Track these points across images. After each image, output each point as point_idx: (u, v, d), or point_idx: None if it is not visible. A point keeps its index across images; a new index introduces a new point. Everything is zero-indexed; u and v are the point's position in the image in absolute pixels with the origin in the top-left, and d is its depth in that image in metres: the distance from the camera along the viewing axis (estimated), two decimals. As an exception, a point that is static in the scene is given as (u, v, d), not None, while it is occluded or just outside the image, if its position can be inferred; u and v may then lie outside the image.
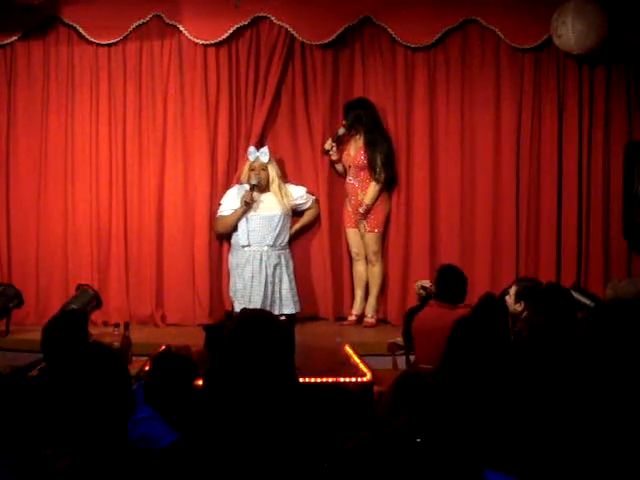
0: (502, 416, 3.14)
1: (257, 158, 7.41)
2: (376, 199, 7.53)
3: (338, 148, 7.63)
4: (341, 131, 7.58)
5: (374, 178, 7.49)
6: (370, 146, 7.48)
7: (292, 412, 2.31)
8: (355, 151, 7.55)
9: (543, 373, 3.72)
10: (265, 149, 7.44)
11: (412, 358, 5.82)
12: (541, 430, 3.08)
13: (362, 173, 7.53)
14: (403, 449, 1.65)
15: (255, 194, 7.39)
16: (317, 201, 7.69)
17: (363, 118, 7.49)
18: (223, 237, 7.66)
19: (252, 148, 7.45)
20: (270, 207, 7.43)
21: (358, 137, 7.56)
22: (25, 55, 7.61)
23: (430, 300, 5.65)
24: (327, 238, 7.70)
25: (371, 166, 7.48)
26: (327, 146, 7.60)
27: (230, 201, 7.49)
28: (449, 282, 5.55)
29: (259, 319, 2.40)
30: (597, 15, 7.14)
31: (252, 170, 7.40)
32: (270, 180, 7.43)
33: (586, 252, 7.73)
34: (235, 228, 7.46)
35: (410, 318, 5.68)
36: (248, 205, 7.36)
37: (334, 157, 7.65)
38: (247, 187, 7.39)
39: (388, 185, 7.60)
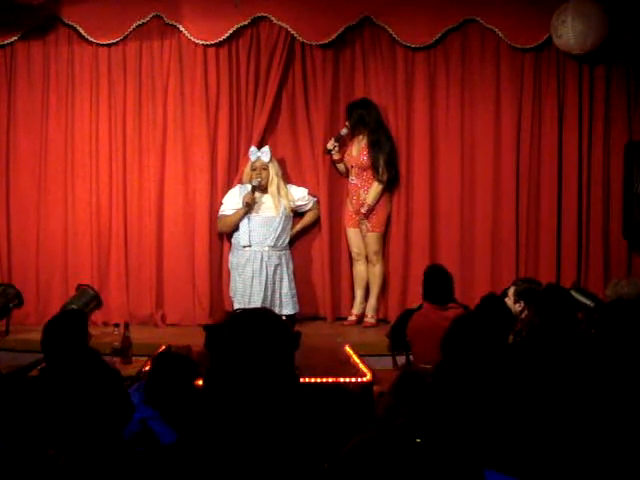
0: (502, 416, 3.14)
1: (258, 158, 7.40)
2: (378, 199, 7.53)
3: (340, 148, 7.62)
4: (344, 131, 7.58)
5: (377, 178, 7.49)
6: (373, 146, 7.48)
7: (292, 412, 2.31)
8: (358, 151, 7.54)
9: (543, 373, 3.73)
10: (266, 149, 7.44)
11: (403, 358, 5.84)
12: (541, 430, 3.09)
13: (365, 173, 7.53)
14: (403, 449, 1.65)
15: (256, 195, 7.39)
16: (318, 202, 7.69)
17: (366, 118, 7.49)
18: (224, 236, 7.66)
19: (253, 148, 7.45)
20: (271, 208, 7.43)
21: (361, 137, 7.56)
22: (25, 55, 7.60)
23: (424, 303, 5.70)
24: (327, 238, 7.70)
25: (374, 166, 7.48)
26: (329, 146, 7.58)
27: (232, 200, 7.49)
28: (434, 283, 5.59)
29: (257, 316, 2.39)
30: (597, 15, 7.15)
31: (254, 170, 7.40)
32: (269, 181, 7.43)
33: (586, 252, 7.73)
34: (236, 228, 7.46)
35: (404, 319, 5.71)
36: (249, 206, 7.36)
37: (336, 157, 7.64)
38: (249, 187, 7.39)
39: (390, 185, 7.60)
